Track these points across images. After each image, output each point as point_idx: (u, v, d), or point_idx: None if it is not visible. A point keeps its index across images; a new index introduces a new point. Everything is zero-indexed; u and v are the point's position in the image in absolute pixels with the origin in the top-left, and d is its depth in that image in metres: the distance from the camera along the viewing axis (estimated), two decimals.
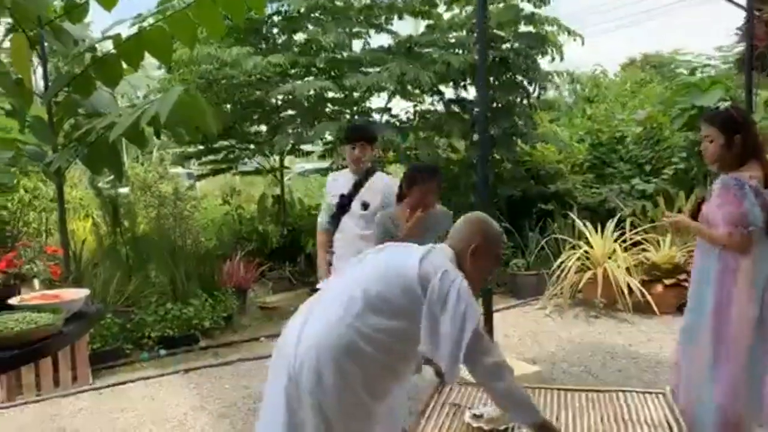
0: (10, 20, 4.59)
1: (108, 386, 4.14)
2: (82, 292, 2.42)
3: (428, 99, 7.55)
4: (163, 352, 4.79)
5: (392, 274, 1.88)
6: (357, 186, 3.38)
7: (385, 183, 3.43)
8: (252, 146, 7.71)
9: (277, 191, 8.40)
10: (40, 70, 5.18)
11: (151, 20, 4.51)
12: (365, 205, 3.33)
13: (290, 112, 7.41)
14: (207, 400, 3.87)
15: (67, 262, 4.57)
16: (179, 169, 9.37)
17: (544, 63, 7.29)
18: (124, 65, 4.48)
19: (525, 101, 7.35)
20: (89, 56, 4.67)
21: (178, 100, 3.88)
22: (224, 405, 3.79)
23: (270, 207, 8.27)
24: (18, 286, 2.43)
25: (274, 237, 7.52)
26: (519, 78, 7.24)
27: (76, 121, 4.88)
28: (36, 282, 2.68)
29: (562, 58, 7.02)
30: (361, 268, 2.01)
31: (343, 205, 3.38)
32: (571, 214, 6.17)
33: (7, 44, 4.98)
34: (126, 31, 4.45)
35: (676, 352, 2.88)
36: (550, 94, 7.99)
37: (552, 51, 7.01)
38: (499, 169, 7.02)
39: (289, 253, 7.29)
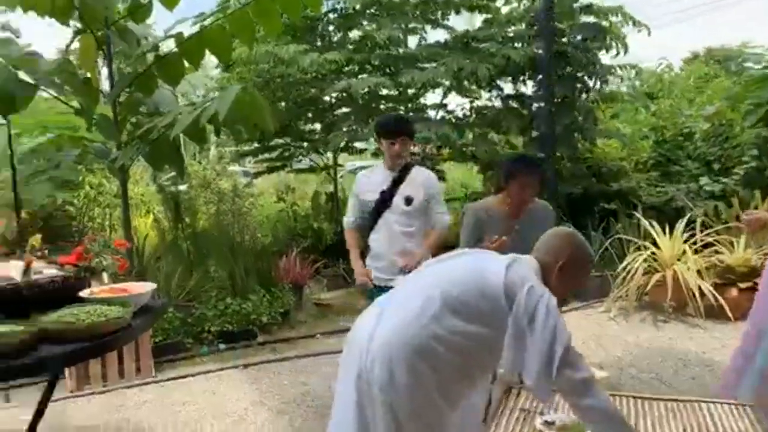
0: (78, 24, 4.71)
1: (170, 379, 4.20)
2: (149, 286, 2.44)
3: (485, 94, 7.42)
4: (222, 346, 4.84)
5: (474, 277, 1.83)
6: (397, 181, 3.26)
7: (426, 176, 3.32)
8: (306, 144, 7.75)
9: (330, 189, 8.42)
10: (104, 71, 5.32)
11: (211, 19, 4.57)
12: (408, 200, 3.22)
13: (344, 109, 7.42)
14: (266, 396, 3.88)
15: (131, 256, 4.68)
16: (235, 167, 9.52)
17: (605, 57, 7.06)
18: (186, 64, 4.56)
19: (585, 96, 7.12)
20: (151, 55, 4.76)
21: (236, 98, 3.92)
22: (283, 401, 3.79)
23: (323, 204, 8.29)
24: (88, 279, 2.47)
25: (328, 234, 7.53)
26: (580, 73, 7.02)
27: (137, 120, 4.99)
28: (105, 275, 2.73)
29: (626, 51, 6.75)
30: (439, 269, 1.97)
31: (385, 200, 3.25)
32: (637, 214, 5.91)
33: (74, 46, 5.14)
34: (188, 30, 4.52)
35: (737, 357, 2.69)
36: (613, 87, 7.70)
37: (616, 45, 6.75)
38: (558, 166, 6.81)
39: (343, 250, 7.25)
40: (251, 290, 5.26)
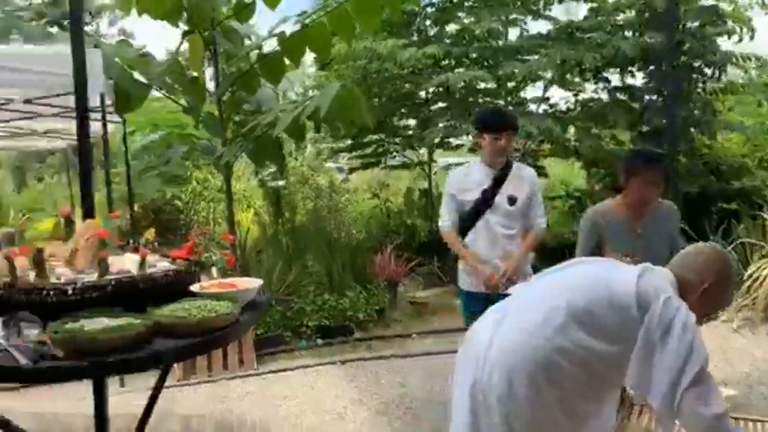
0: (186, 26, 4.88)
1: (271, 372, 4.27)
2: (256, 282, 2.42)
3: (589, 87, 7.04)
4: (320, 341, 4.88)
5: (601, 287, 1.67)
6: (499, 180, 3.02)
7: (529, 174, 3.11)
8: (400, 140, 7.68)
9: (423, 185, 8.31)
10: (209, 71, 5.51)
11: (311, 18, 4.58)
12: (512, 200, 2.99)
13: (441, 104, 7.28)
14: (364, 395, 3.84)
15: (234, 250, 4.80)
16: (329, 164, 9.65)
17: (727, 44, 6.48)
18: (286, 62, 4.61)
19: (701, 87, 6.58)
20: (254, 54, 4.86)
21: (335, 95, 3.90)
22: (381, 401, 3.74)
23: (417, 201, 8.22)
24: (198, 274, 2.50)
25: (422, 231, 7.44)
26: (696, 62, 6.49)
27: (241, 118, 5.12)
28: (213, 270, 2.76)
29: (752, 37, 6.16)
30: (558, 278, 1.83)
31: (486, 200, 3.01)
32: (764, 215, 5.36)
33: (182, 48, 5.35)
34: (290, 28, 4.56)
35: None
36: (732, 75, 7.04)
37: (740, 30, 6.17)
38: (672, 162, 6.33)
39: (438, 248, 7.14)
40: (347, 286, 5.28)
